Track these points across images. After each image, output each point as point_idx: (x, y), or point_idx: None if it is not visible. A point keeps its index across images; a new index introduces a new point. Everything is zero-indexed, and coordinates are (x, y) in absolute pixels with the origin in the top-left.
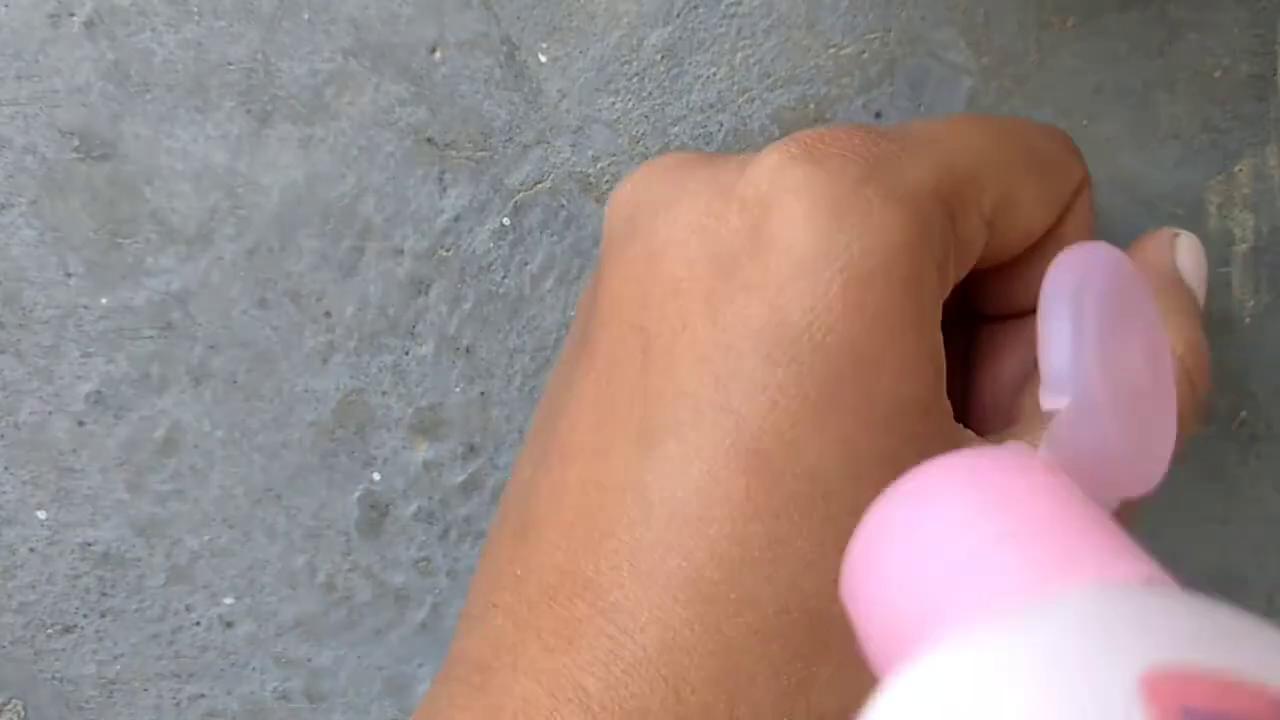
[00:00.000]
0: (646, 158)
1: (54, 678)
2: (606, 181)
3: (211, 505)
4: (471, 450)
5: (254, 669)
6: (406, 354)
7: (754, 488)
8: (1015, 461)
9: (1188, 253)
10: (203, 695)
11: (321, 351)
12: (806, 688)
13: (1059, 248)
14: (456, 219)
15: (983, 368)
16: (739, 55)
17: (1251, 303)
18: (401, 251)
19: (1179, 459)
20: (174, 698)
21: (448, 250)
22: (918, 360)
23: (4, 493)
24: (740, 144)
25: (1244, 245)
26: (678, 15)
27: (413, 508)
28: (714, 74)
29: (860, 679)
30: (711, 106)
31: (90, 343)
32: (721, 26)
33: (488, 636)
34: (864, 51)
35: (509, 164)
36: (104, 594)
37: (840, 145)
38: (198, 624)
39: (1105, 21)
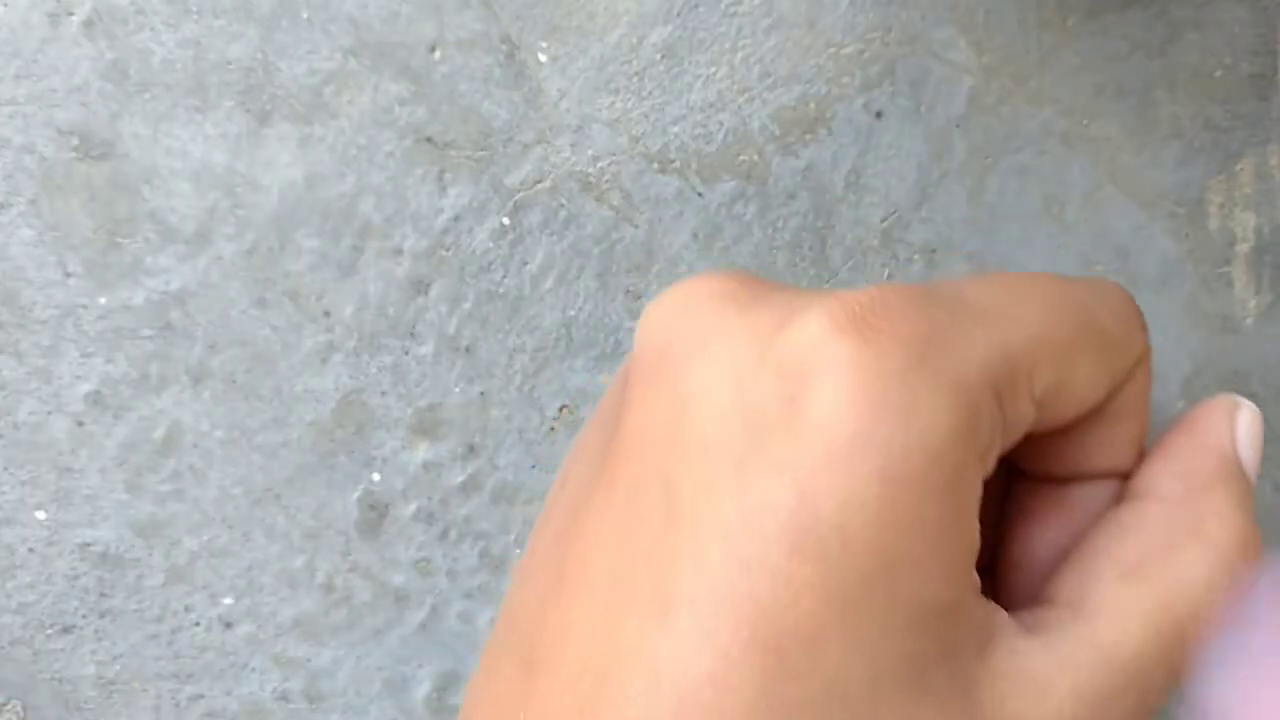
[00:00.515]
0: (646, 157)
1: (53, 678)
2: (606, 181)
3: (211, 505)
4: (471, 450)
5: (253, 669)
6: (406, 354)
7: (769, 686)
8: None
9: (1248, 430)
10: (202, 696)
11: (321, 351)
12: None
13: (1112, 418)
14: (456, 219)
15: (1016, 527)
16: (739, 55)
17: (1252, 302)
18: (401, 251)
19: None
20: (173, 698)
21: (448, 250)
22: (950, 564)
23: (3, 493)
24: (740, 143)
25: (1245, 245)
26: (678, 15)
27: (412, 508)
28: (714, 73)
29: None
30: (711, 106)
31: (89, 343)
32: (721, 26)
33: None
34: (864, 51)
35: (509, 163)
36: (103, 594)
37: (889, 320)
38: (197, 624)
39: (1106, 21)
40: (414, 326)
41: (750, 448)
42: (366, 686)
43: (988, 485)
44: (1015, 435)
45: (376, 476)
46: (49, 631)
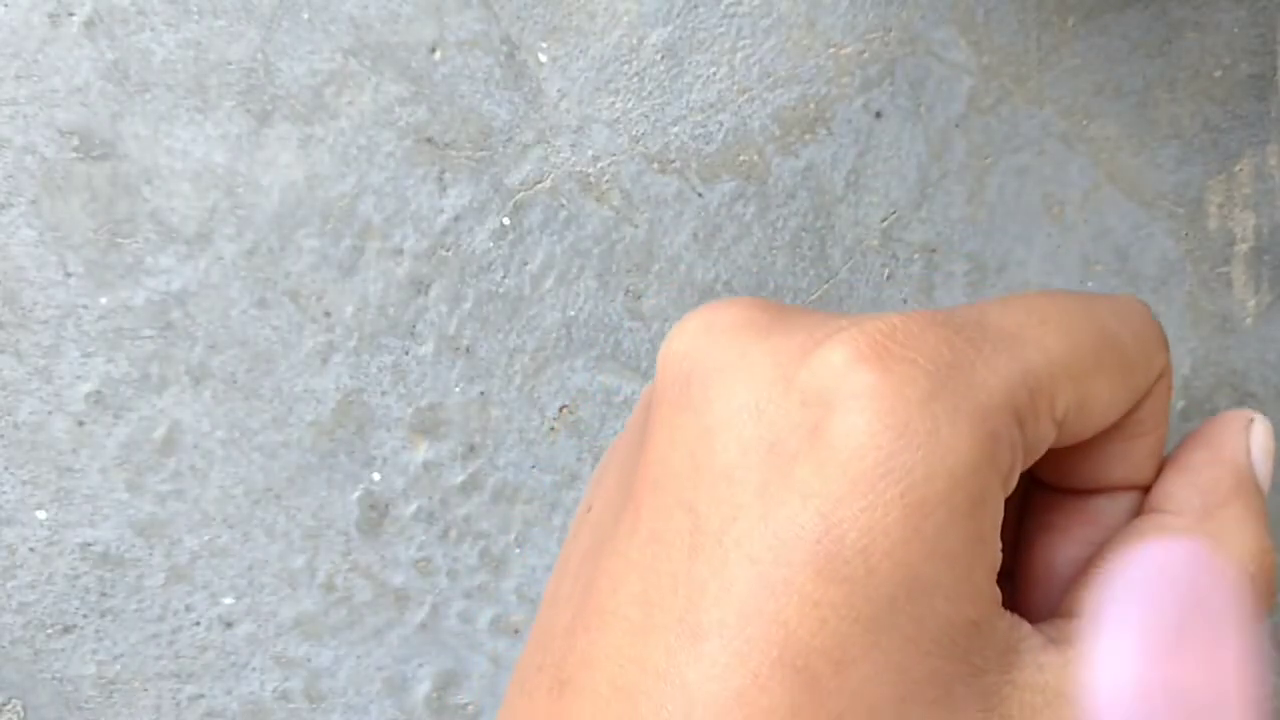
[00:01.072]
0: (646, 157)
1: (54, 678)
2: (606, 181)
3: (211, 505)
4: (471, 450)
5: (254, 669)
6: (406, 354)
7: (799, 705)
8: None
9: (1262, 445)
10: (202, 695)
11: (321, 351)
12: None
13: (1131, 432)
14: (456, 219)
15: (1036, 538)
16: (739, 55)
17: (1252, 302)
18: (401, 251)
19: None
20: (173, 698)
21: (448, 250)
22: (973, 584)
23: (4, 493)
24: (740, 143)
25: (1245, 245)
26: (678, 15)
27: (412, 508)
28: (714, 74)
29: None
30: (711, 106)
31: (90, 342)
32: (721, 26)
33: None
34: (864, 51)
35: (509, 164)
36: (104, 594)
37: (911, 348)
38: (197, 624)
39: (1105, 21)
40: (414, 326)
41: (774, 475)
42: (366, 686)
43: (1008, 498)
44: (1036, 454)
45: (377, 476)
46: (49, 631)
